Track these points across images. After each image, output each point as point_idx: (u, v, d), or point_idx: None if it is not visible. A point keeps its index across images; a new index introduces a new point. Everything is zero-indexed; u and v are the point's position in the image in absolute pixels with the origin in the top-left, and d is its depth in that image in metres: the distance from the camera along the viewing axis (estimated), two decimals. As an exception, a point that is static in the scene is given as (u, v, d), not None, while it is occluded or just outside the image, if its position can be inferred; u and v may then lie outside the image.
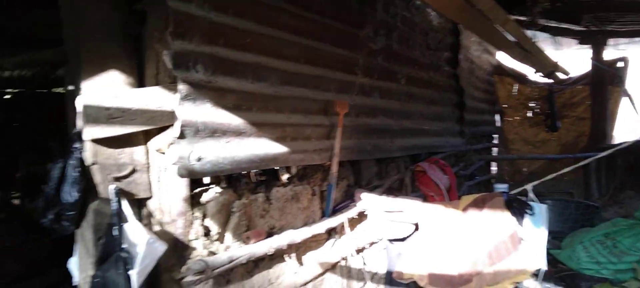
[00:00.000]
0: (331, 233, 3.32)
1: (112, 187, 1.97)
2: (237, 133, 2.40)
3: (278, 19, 2.66)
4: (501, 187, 6.39)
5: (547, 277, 4.84)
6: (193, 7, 2.12)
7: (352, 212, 3.37)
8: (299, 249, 3.02)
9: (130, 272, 1.90)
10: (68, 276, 2.34)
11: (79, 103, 1.91)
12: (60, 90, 6.75)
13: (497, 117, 9.03)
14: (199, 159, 2.16)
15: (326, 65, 3.13)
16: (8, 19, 4.17)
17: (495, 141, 9.02)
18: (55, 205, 1.98)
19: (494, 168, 9.28)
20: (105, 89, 2.02)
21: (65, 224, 2.01)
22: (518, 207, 3.18)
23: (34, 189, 5.87)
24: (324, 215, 3.26)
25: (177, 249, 2.23)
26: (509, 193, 3.28)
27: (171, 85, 2.17)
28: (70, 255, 2.40)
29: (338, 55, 3.25)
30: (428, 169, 4.35)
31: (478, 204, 3.27)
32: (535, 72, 7.12)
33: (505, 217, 3.14)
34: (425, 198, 4.28)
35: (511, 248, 3.07)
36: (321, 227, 3.04)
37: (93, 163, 1.99)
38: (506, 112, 9.81)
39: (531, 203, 3.18)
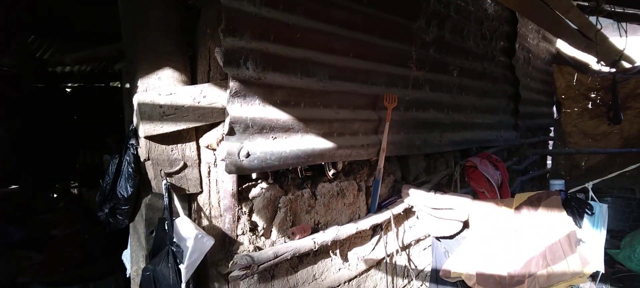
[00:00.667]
0: (376, 229, 3.28)
1: (164, 183, 2.02)
2: (285, 129, 2.40)
3: (328, 13, 2.62)
4: (557, 183, 6.09)
5: (603, 278, 4.60)
6: (245, 3, 2.13)
7: (399, 208, 3.32)
8: (344, 245, 3.01)
9: (180, 266, 1.95)
10: (122, 264, 2.44)
11: (135, 100, 1.96)
12: (117, 84, 7.03)
13: (555, 109, 8.60)
14: (248, 155, 2.18)
15: (376, 58, 3.07)
16: (69, 13, 4.37)
17: (552, 134, 8.61)
18: (111, 199, 2.07)
19: (549, 162, 8.87)
20: (159, 86, 2.06)
21: (119, 218, 2.09)
22: (576, 207, 3.02)
23: (91, 179, 6.21)
24: (370, 211, 3.22)
25: (225, 244, 2.28)
26: (566, 192, 3.11)
27: (222, 82, 2.19)
28: (125, 243, 2.51)
29: (388, 48, 3.18)
30: (479, 164, 4.20)
31: (533, 203, 3.13)
32: (597, 62, 6.71)
33: (561, 217, 2.99)
34: (476, 195, 4.15)
35: (568, 250, 2.92)
36: (366, 223, 3.01)
37: (147, 159, 2.04)
38: (564, 104, 9.31)
39: (591, 202, 3.02)
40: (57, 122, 5.89)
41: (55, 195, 6.53)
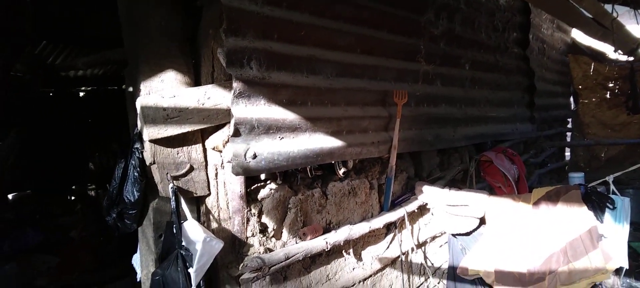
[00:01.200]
0: (390, 227, 3.23)
1: (170, 186, 1.99)
2: (292, 128, 2.36)
3: (333, 9, 2.57)
4: (576, 176, 5.92)
5: (628, 272, 4.46)
6: (246, 2, 2.09)
7: (413, 206, 3.25)
8: (357, 244, 2.96)
9: (189, 270, 1.92)
10: (133, 268, 2.43)
11: (138, 104, 1.94)
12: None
13: (572, 100, 8.41)
14: (254, 156, 2.14)
15: (384, 53, 3.01)
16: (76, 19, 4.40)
17: (569, 125, 8.42)
18: (118, 203, 2.05)
19: (567, 154, 8.68)
20: (162, 88, 2.04)
21: (127, 222, 2.07)
22: (597, 201, 2.92)
23: (107, 181, 6.24)
24: (383, 209, 3.17)
25: (234, 246, 2.25)
26: (586, 186, 3.01)
27: (226, 83, 2.16)
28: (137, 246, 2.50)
29: (396, 43, 3.12)
30: (494, 159, 4.11)
31: (551, 198, 3.03)
32: (614, 50, 6.54)
33: (582, 212, 2.89)
34: (492, 190, 4.07)
35: (589, 246, 2.83)
36: (379, 221, 2.95)
37: (152, 163, 2.02)
38: (581, 94, 9.11)
39: (612, 196, 2.92)
40: (69, 126, 5.94)
41: (72, 198, 6.61)
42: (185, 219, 2.04)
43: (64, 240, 4.82)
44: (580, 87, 9.13)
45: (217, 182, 2.22)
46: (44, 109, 5.70)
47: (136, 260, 2.33)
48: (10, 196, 5.26)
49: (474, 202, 3.22)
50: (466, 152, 4.29)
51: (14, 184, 5.33)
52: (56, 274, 4.08)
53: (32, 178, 5.49)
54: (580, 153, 9.27)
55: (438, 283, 3.72)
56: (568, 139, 8.56)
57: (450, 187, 3.41)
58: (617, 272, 2.96)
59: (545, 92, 6.24)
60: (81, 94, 7.13)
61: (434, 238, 3.67)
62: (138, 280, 2.30)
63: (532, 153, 5.88)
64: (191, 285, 1.93)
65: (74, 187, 6.72)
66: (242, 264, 2.15)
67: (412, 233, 3.38)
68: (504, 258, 3.05)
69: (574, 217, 2.89)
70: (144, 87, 2.02)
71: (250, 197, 2.32)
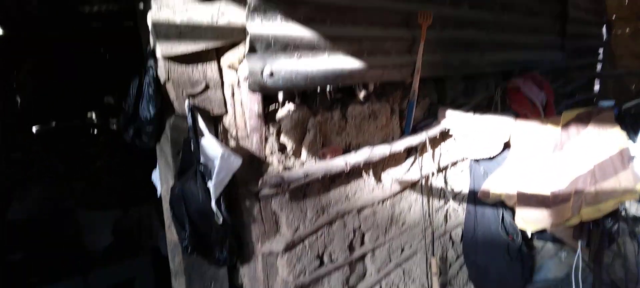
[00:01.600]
0: (411, 152, 3.18)
1: (186, 103, 1.96)
2: (311, 47, 2.27)
3: None
4: (607, 103, 5.71)
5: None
6: None
7: (435, 131, 3.18)
8: (377, 167, 2.93)
9: (208, 185, 1.92)
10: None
11: (149, 20, 1.88)
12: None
13: (604, 30, 7.97)
14: (271, 74, 2.09)
15: (408, -30, 2.85)
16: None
17: (600, 57, 8.04)
18: (134, 121, 2.03)
19: (596, 86, 8.36)
20: (174, 4, 1.96)
21: (144, 139, 2.06)
22: (630, 122, 2.81)
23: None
24: (404, 133, 3.10)
25: (253, 164, 2.23)
26: (620, 107, 2.88)
27: (241, -2, 2.07)
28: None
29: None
30: (522, 85, 3.93)
31: (582, 119, 2.92)
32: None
33: (614, 133, 2.79)
34: (518, 117, 3.94)
35: (619, 166, 2.72)
36: (400, 144, 2.89)
37: (167, 81, 1.98)
38: (615, 24, 8.63)
39: (648, 117, 2.80)
40: (86, 61, 5.92)
41: (95, 131, 6.69)
42: (203, 136, 2.02)
43: (89, 170, 4.94)
44: (614, 17, 8.64)
45: (234, 100, 2.18)
46: (60, 44, 5.67)
47: (156, 177, 2.34)
48: (34, 128, 5.36)
49: (499, 125, 3.13)
50: (492, 79, 4.14)
51: (38, 116, 5.41)
52: (81, 198, 4.21)
53: (54, 111, 5.55)
54: (609, 85, 8.92)
55: (458, 206, 3.71)
56: (598, 70, 8.22)
57: (475, 113, 3.31)
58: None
59: (578, 19, 5.91)
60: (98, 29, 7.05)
61: (455, 163, 3.62)
62: (158, 196, 2.33)
63: (560, 83, 5.66)
64: (210, 199, 1.94)
65: (95, 120, 6.77)
66: (261, 180, 2.14)
67: (433, 157, 3.33)
68: (528, 181, 2.99)
69: (605, 138, 2.78)
70: (155, 1, 1.94)
71: (268, 117, 2.28)
